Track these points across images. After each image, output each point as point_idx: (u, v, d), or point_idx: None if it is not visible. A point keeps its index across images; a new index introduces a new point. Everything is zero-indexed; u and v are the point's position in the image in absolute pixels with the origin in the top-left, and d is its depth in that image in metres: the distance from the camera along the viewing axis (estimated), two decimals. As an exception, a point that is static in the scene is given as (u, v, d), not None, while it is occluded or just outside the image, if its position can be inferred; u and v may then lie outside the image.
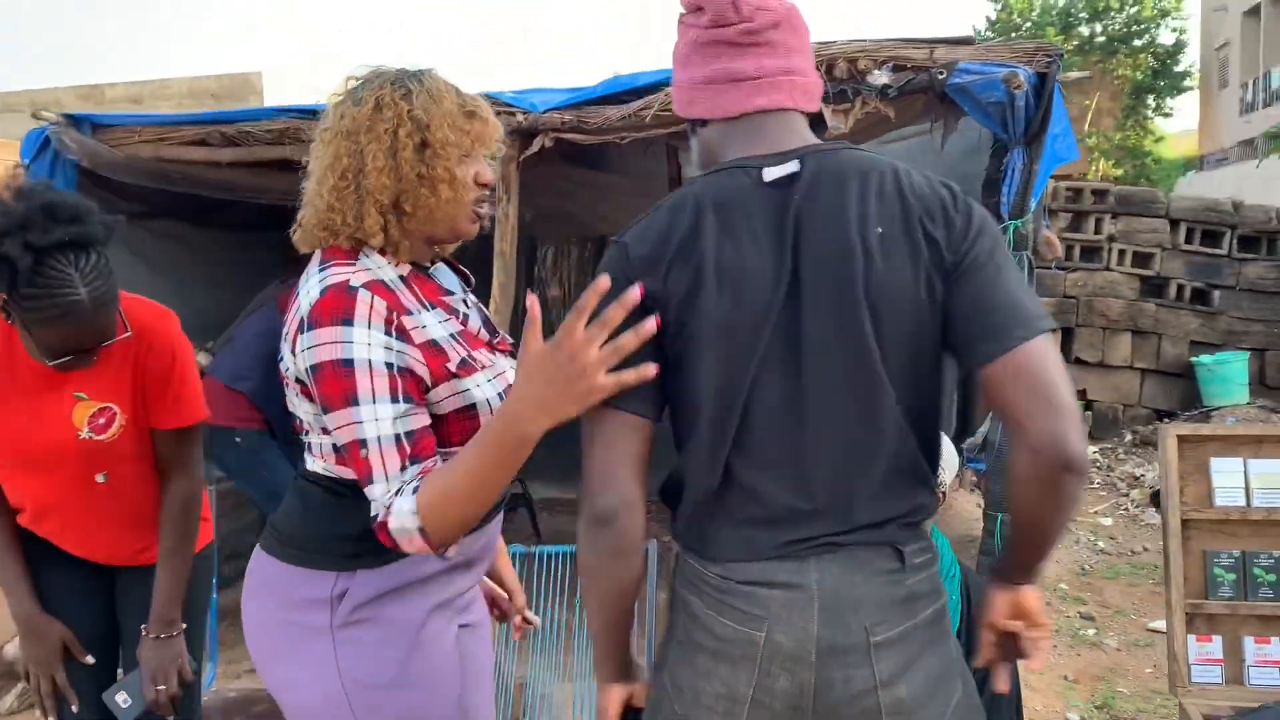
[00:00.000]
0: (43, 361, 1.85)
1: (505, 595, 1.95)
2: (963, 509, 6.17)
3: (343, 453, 1.45)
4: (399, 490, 1.38)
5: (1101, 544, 5.54)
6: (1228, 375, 7.00)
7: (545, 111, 3.48)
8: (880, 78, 3.22)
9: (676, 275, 1.27)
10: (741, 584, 1.28)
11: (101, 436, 1.97)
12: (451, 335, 1.52)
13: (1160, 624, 3.97)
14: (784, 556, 1.27)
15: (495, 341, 1.63)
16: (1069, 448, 1.17)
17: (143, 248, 4.70)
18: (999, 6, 21.57)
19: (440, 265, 1.63)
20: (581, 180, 5.31)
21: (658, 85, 3.43)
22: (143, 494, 2.08)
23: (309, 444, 1.59)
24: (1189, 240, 7.34)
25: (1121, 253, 7.33)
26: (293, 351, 1.45)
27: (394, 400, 1.40)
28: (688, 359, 1.28)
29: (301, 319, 1.42)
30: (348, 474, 1.51)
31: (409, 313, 1.45)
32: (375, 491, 1.39)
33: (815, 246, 1.27)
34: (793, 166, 1.31)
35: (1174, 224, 7.35)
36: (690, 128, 1.45)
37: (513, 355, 1.61)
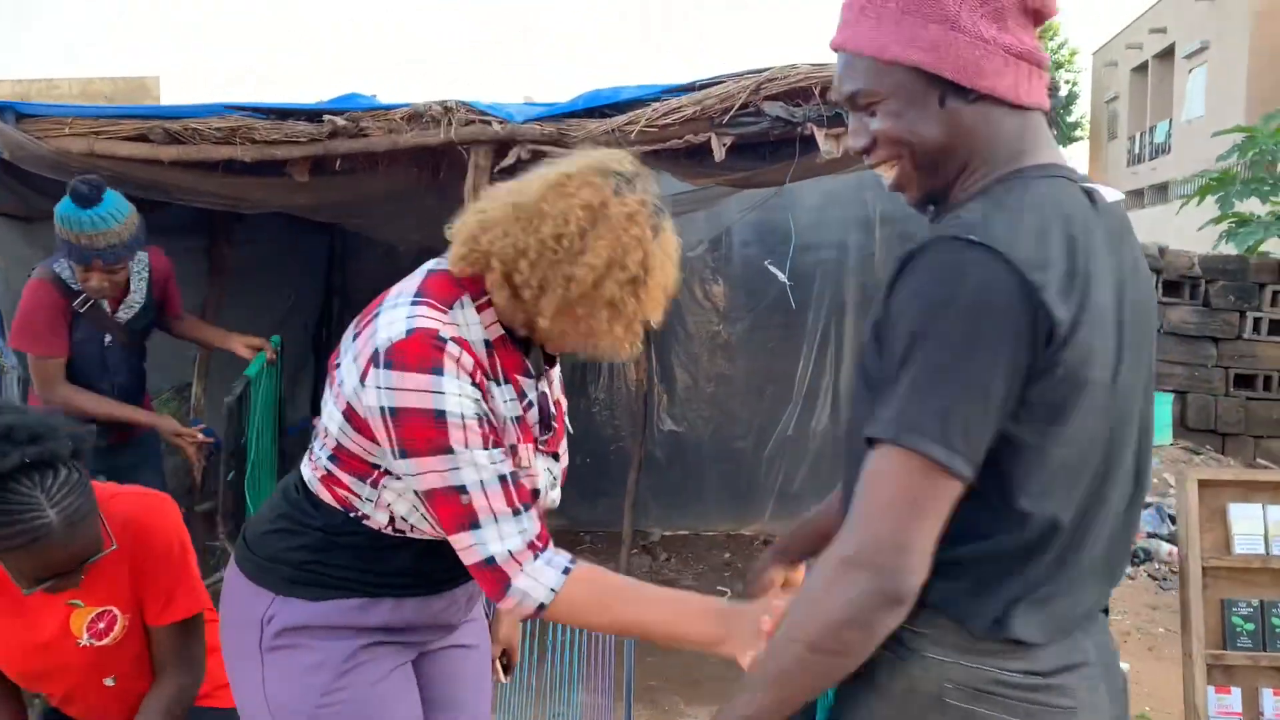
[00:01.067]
0: (22, 589, 1.67)
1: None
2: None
3: (424, 499, 1.40)
4: (523, 539, 1.35)
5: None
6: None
7: (525, 123, 3.31)
8: (875, 104, 3.15)
9: (1069, 299, 1.05)
10: (1049, 674, 1.09)
11: (103, 642, 1.86)
12: (513, 418, 1.47)
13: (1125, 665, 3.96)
14: (1070, 630, 1.13)
15: (545, 439, 1.55)
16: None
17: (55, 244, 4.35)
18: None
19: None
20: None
21: (642, 101, 3.30)
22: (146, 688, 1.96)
23: (311, 448, 1.56)
24: (1116, 283, 7.51)
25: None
26: (361, 379, 1.39)
27: (487, 448, 1.37)
28: (1072, 406, 1.06)
29: (377, 351, 1.36)
30: (325, 496, 1.49)
31: (487, 378, 1.42)
32: (484, 535, 1.36)
33: (1135, 295, 1.13)
34: (1117, 194, 1.16)
35: (1102, 266, 7.51)
36: (941, 98, 1.14)
37: (555, 457, 1.59)
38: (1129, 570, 5.70)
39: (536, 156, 3.38)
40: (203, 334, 3.92)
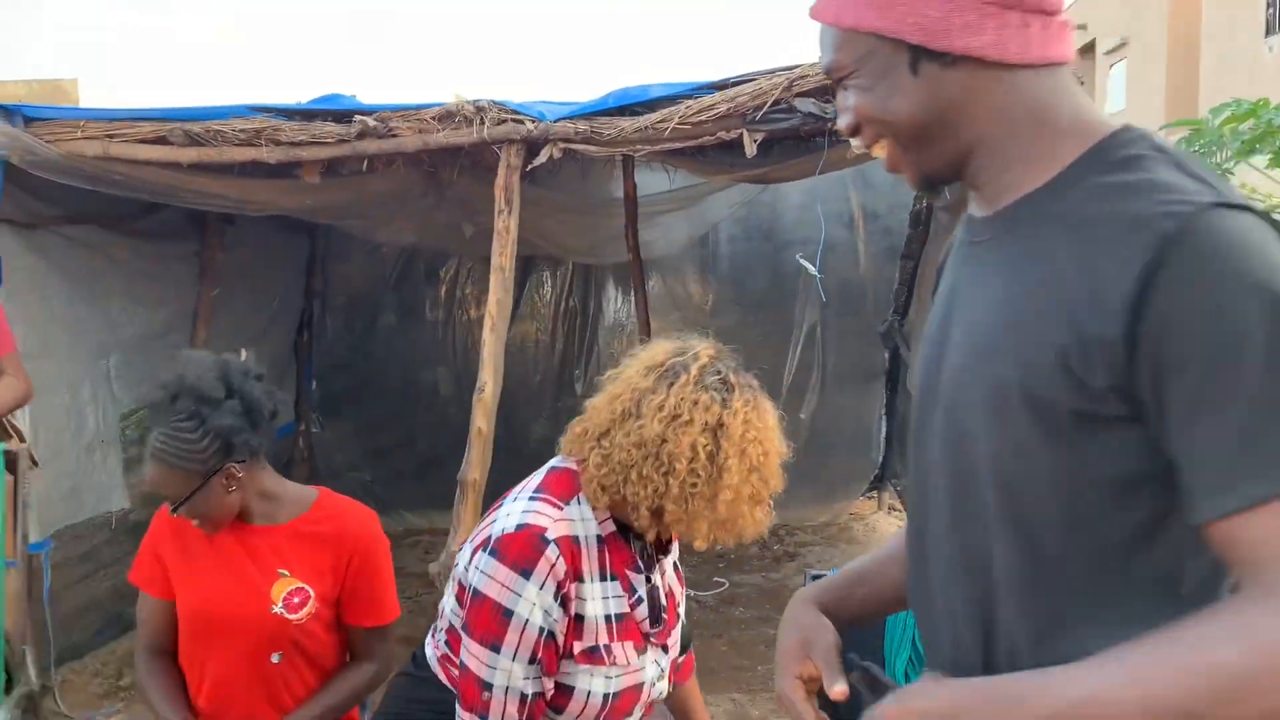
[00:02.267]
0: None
1: None
2: (884, 528, 6.31)
3: (459, 668, 1.56)
4: None
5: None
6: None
7: (557, 121, 3.34)
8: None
9: None
10: None
11: (292, 616, 2.02)
12: (609, 616, 1.55)
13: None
14: None
15: (654, 633, 1.62)
16: None
17: (58, 256, 4.28)
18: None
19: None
20: (530, 198, 5.14)
21: (672, 98, 3.36)
22: (305, 686, 2.08)
23: (434, 628, 1.73)
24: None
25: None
26: (471, 556, 1.54)
27: (530, 662, 1.49)
28: None
29: (489, 539, 1.52)
30: (440, 674, 1.64)
31: (581, 580, 1.51)
32: None
33: None
34: None
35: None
36: (912, 66, 0.97)
37: (664, 649, 1.66)
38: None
39: (568, 155, 3.43)
40: None
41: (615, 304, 6.68)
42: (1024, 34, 0.95)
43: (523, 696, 1.50)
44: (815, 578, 2.38)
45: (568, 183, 4.99)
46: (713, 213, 5.68)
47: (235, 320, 5.42)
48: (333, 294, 6.36)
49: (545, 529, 1.48)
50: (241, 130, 3.42)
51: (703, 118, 3.25)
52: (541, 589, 1.46)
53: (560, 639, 1.52)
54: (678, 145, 3.35)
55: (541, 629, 1.48)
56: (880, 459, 6.21)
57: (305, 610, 2.02)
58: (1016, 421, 0.93)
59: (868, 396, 6.18)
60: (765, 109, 3.21)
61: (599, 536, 1.53)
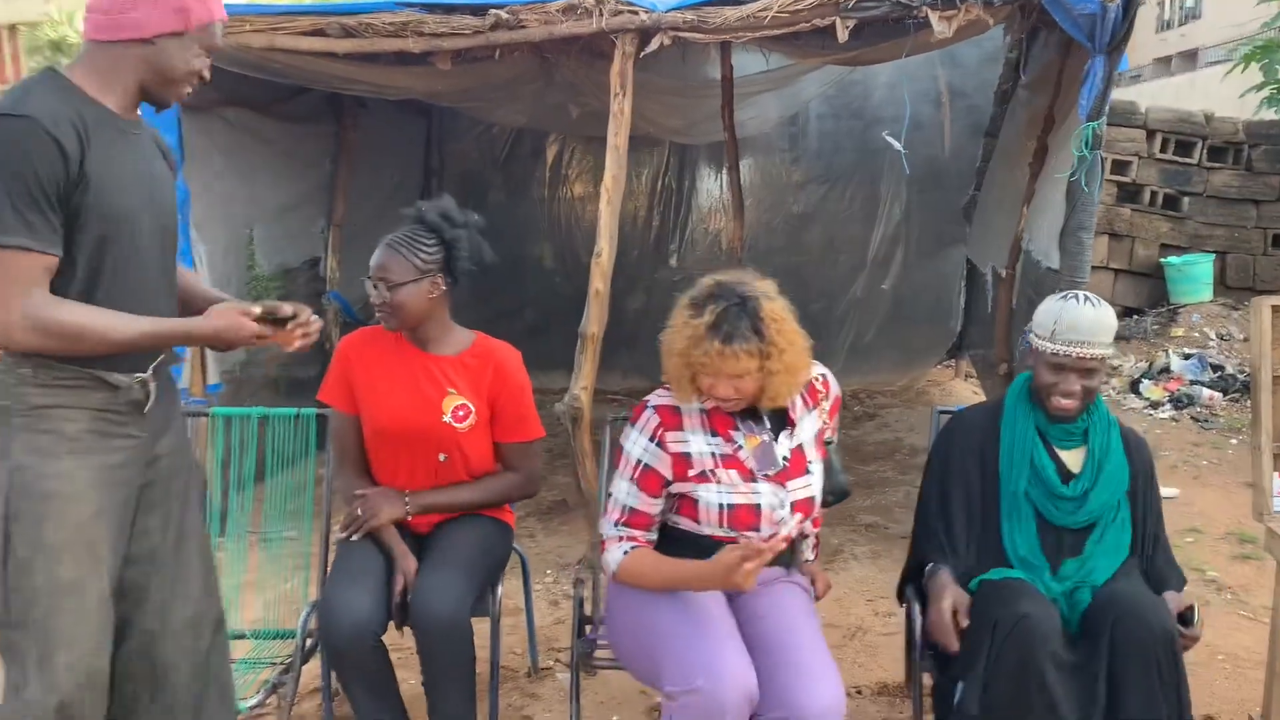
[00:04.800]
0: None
1: None
2: (961, 394, 6.69)
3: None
4: (612, 536, 2.23)
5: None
6: (1194, 275, 7.62)
7: (668, 11, 3.70)
8: (984, -13, 3.53)
9: None
10: None
11: (457, 425, 2.56)
12: (713, 454, 2.20)
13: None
14: None
15: (768, 473, 2.21)
16: None
17: (218, 136, 4.83)
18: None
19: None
20: (635, 81, 5.49)
21: (771, -11, 3.68)
22: (468, 479, 2.63)
23: None
24: (1163, 150, 7.86)
25: (1102, 160, 7.81)
26: None
27: (629, 481, 2.23)
28: None
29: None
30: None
31: (679, 430, 2.21)
32: (603, 525, 2.29)
33: None
34: None
35: (1150, 134, 7.86)
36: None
37: (783, 486, 2.23)
38: (1174, 414, 6.26)
39: (676, 42, 3.80)
40: None
41: (708, 182, 7.05)
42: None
43: (623, 506, 2.23)
44: (942, 413, 2.87)
45: (669, 66, 5.33)
46: (805, 92, 5.95)
47: (362, 194, 5.96)
48: (448, 171, 6.87)
49: (651, 400, 2.27)
50: (389, 23, 3.86)
51: (800, 6, 3.58)
52: (639, 433, 2.23)
53: (663, 470, 2.20)
54: (776, 32, 3.70)
55: (639, 460, 2.21)
56: (958, 328, 6.57)
57: (468, 422, 2.57)
58: None
59: (948, 268, 6.51)
60: (856, -2, 3.53)
61: (702, 409, 2.23)
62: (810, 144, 6.56)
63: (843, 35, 3.61)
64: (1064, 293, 2.51)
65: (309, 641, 2.58)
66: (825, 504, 2.38)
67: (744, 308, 2.09)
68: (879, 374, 6.70)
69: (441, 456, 2.58)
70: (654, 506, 2.23)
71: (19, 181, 1.70)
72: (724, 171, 6.53)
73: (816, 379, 2.35)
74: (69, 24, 13.92)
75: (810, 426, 2.33)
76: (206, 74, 1.95)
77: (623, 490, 2.24)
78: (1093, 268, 8.23)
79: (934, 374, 7.02)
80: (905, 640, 2.61)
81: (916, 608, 2.50)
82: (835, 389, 2.41)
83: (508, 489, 2.69)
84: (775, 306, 2.15)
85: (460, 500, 2.61)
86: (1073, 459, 2.49)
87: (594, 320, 3.87)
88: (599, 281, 3.88)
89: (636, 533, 2.22)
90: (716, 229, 6.93)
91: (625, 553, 2.20)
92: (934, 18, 3.56)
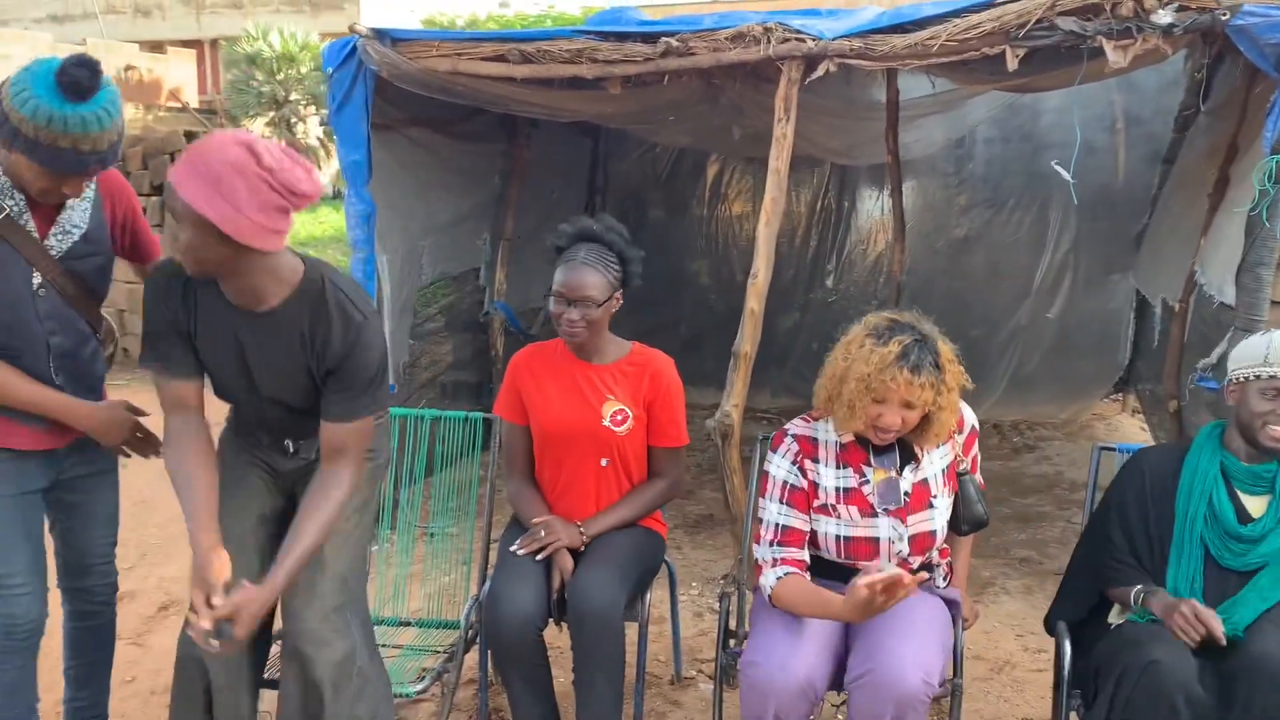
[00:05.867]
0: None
1: None
2: (1127, 430, 6.45)
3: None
4: (767, 560, 2.34)
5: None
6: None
7: (834, 40, 3.76)
8: (1164, 17, 3.43)
9: None
10: None
11: (616, 429, 2.72)
12: (839, 488, 2.35)
13: None
14: None
15: (888, 509, 2.33)
16: None
17: (400, 153, 5.13)
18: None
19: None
20: (799, 103, 5.54)
21: (941, 17, 3.69)
22: (620, 488, 2.78)
23: None
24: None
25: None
26: None
27: (779, 502, 2.38)
28: None
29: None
30: None
31: (815, 461, 2.38)
32: (756, 550, 2.39)
33: None
34: None
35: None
36: None
37: (903, 521, 2.34)
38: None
39: (843, 70, 3.85)
40: None
41: (869, 203, 7.01)
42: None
43: (776, 526, 2.36)
44: (1104, 450, 2.84)
45: (833, 88, 5.35)
46: (972, 115, 5.86)
47: (525, 208, 6.21)
48: (611, 189, 7.07)
49: (790, 429, 2.44)
50: (566, 50, 4.04)
51: (969, 35, 3.57)
52: (782, 457, 2.40)
53: (805, 491, 2.36)
54: (944, 60, 3.70)
55: (785, 481, 2.38)
56: (1126, 361, 6.33)
57: (626, 426, 2.72)
58: None
59: (1117, 299, 6.29)
60: (1029, 27, 3.50)
61: (839, 442, 2.37)
62: (976, 167, 6.45)
63: (1013, 64, 3.58)
64: (1261, 330, 2.46)
65: (470, 633, 2.75)
66: (960, 533, 2.46)
67: (925, 344, 2.23)
68: (1041, 405, 6.51)
69: (604, 461, 2.73)
70: (806, 523, 2.36)
71: None
72: (885, 193, 6.49)
73: None
74: (264, 39, 14.84)
75: (938, 461, 2.39)
76: None
77: (773, 511, 2.37)
78: (1272, 302, 7.79)
79: (1100, 408, 6.77)
80: (1054, 678, 2.58)
81: (1067, 644, 2.47)
82: (971, 420, 2.46)
83: (656, 497, 2.83)
84: (946, 349, 2.28)
85: (623, 519, 2.75)
86: (1255, 505, 2.39)
87: (748, 339, 3.94)
88: (754, 301, 3.95)
89: (791, 550, 2.34)
90: (875, 251, 6.88)
91: (779, 578, 2.30)
92: (1108, 47, 3.49)
